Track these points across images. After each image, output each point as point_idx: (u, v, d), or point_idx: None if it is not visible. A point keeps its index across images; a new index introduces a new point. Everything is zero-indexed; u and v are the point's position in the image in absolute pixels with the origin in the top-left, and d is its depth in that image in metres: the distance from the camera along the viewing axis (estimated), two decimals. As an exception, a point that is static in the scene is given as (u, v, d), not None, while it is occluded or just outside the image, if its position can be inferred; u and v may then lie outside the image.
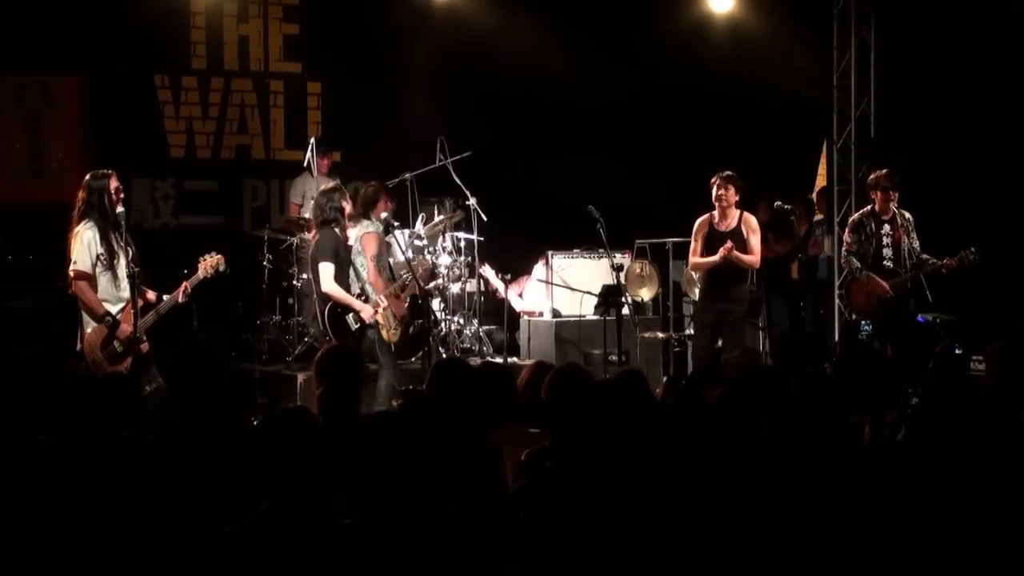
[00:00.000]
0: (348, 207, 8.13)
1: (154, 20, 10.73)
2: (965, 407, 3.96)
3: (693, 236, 8.84)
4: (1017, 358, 4.82)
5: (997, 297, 10.33)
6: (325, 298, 7.87)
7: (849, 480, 3.51)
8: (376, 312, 7.97)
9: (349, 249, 8.22)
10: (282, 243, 10.10)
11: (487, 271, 10.38)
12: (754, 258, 8.66)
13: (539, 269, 10.50)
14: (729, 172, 8.68)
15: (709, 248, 8.67)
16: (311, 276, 7.92)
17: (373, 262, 8.08)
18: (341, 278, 7.95)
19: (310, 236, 8.08)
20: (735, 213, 8.68)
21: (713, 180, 8.68)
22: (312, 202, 9.96)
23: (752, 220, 8.71)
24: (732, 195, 8.62)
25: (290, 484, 3.32)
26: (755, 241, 8.65)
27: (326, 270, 7.82)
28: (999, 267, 9.60)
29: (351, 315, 7.89)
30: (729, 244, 8.50)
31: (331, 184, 8.27)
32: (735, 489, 3.60)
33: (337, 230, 7.99)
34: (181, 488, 3.93)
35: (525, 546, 3.26)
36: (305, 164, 10.33)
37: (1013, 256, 10.26)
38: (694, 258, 8.86)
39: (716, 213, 8.71)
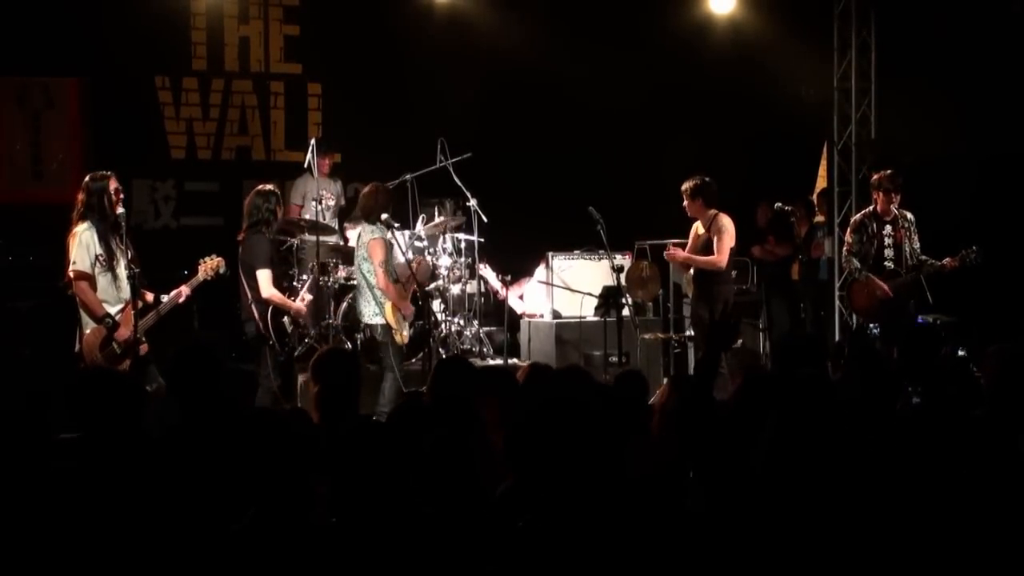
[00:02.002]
0: (281, 213, 8.20)
1: (154, 21, 10.73)
2: (964, 409, 3.95)
3: None
4: (1016, 360, 4.80)
5: (997, 298, 10.34)
6: (265, 303, 7.86)
7: (850, 481, 3.51)
8: (304, 308, 8.14)
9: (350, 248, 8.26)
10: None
11: (487, 272, 10.38)
12: (711, 258, 8.69)
13: (541, 272, 10.50)
14: (687, 182, 8.73)
15: (694, 250, 8.88)
16: (245, 280, 7.91)
17: (382, 268, 8.11)
18: (276, 281, 8.03)
19: (239, 236, 8.11)
20: (710, 215, 8.73)
21: None
22: (312, 203, 10.06)
23: (721, 221, 8.72)
24: (689, 204, 8.75)
25: (281, 485, 3.33)
26: (718, 242, 8.68)
27: (264, 276, 7.81)
28: (999, 267, 9.60)
29: (286, 318, 7.95)
30: (670, 251, 8.88)
31: (268, 186, 8.27)
32: (741, 489, 3.60)
33: (267, 234, 7.98)
34: (181, 488, 3.93)
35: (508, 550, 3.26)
36: (306, 165, 10.33)
37: (1013, 256, 10.26)
38: None
39: None
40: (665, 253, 9.02)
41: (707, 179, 8.72)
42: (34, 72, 10.65)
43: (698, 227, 8.84)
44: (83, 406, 4.15)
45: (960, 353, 8.76)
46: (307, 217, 9.93)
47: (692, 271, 8.95)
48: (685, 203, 8.77)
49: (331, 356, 5.11)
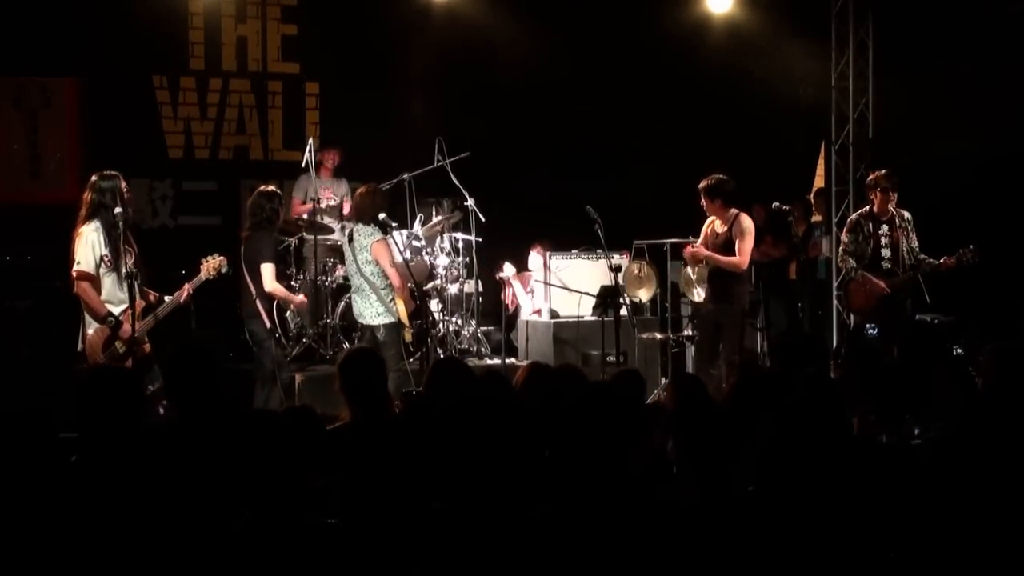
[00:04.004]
0: (283, 213, 8.32)
1: (152, 21, 10.73)
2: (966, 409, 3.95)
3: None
4: (1012, 359, 4.80)
5: (996, 298, 10.34)
6: (269, 297, 7.95)
7: (847, 479, 3.51)
8: (305, 300, 8.37)
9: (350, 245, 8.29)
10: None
11: (511, 276, 10.41)
12: (734, 259, 8.57)
13: (534, 258, 10.49)
14: (704, 181, 8.62)
15: (712, 250, 8.69)
16: (249, 277, 7.96)
17: (394, 267, 8.16)
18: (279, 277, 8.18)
19: (243, 235, 8.15)
20: (730, 215, 8.65)
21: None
22: (310, 202, 10.07)
23: (743, 222, 8.62)
24: (707, 204, 8.61)
25: (279, 485, 3.33)
26: (740, 243, 8.60)
27: (268, 270, 7.90)
28: (998, 267, 9.60)
29: (287, 314, 8.02)
30: (688, 248, 8.67)
31: (270, 187, 8.33)
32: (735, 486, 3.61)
33: (271, 232, 8.09)
34: (180, 487, 3.94)
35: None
36: (303, 164, 10.32)
37: (1013, 256, 10.26)
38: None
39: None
40: (685, 251, 8.77)
41: (724, 177, 8.58)
42: (31, 72, 10.65)
43: (715, 225, 8.70)
44: (87, 404, 4.15)
45: (957, 351, 8.77)
46: (304, 216, 9.94)
47: (707, 270, 8.83)
48: (703, 202, 8.60)
49: (358, 355, 5.10)
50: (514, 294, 10.70)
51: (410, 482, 3.39)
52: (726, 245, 8.57)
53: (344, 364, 4.93)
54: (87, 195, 7.10)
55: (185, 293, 7.31)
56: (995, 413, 4.43)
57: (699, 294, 9.08)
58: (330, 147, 10.62)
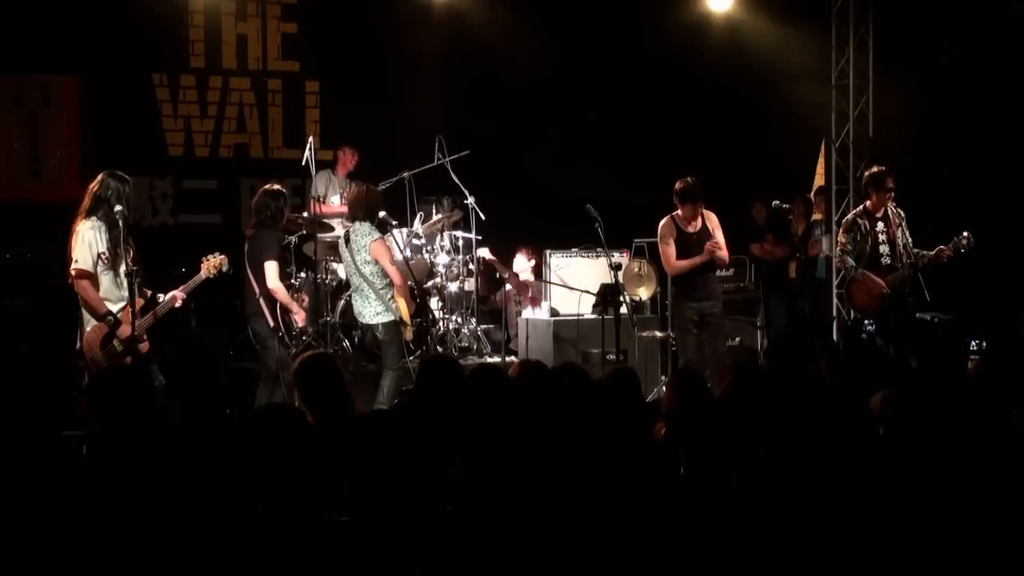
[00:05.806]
0: (288, 213, 8.27)
1: (152, 19, 10.75)
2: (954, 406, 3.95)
3: (662, 239, 8.70)
4: (1002, 360, 4.79)
5: (995, 296, 10.35)
6: (271, 296, 7.90)
7: (853, 479, 3.51)
8: (303, 315, 8.18)
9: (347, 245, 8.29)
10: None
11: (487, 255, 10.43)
12: (726, 253, 8.72)
13: (519, 261, 10.50)
14: (686, 183, 8.57)
15: (682, 250, 8.64)
16: (253, 275, 7.93)
17: (394, 266, 8.15)
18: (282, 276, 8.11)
19: (247, 233, 8.14)
20: (701, 213, 8.70)
21: (680, 195, 8.62)
22: (311, 200, 10.05)
23: (714, 217, 8.72)
24: (692, 206, 8.58)
25: (285, 481, 3.33)
26: (720, 236, 8.67)
27: (272, 268, 7.85)
28: (997, 266, 9.60)
29: (291, 315, 7.98)
30: (716, 242, 8.57)
31: (276, 186, 8.31)
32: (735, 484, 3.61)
33: (275, 230, 8.05)
34: (180, 486, 3.94)
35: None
36: (303, 163, 10.31)
37: (1012, 255, 10.26)
38: (677, 262, 8.74)
39: (680, 215, 8.68)
40: (717, 252, 8.60)
41: (695, 177, 8.64)
42: (32, 70, 10.66)
43: (670, 225, 8.64)
44: (101, 402, 4.18)
45: (975, 345, 8.79)
46: (304, 215, 9.93)
47: (678, 273, 8.79)
48: (690, 205, 8.55)
49: (312, 362, 5.06)
50: (516, 289, 10.64)
51: (399, 480, 3.39)
52: (699, 243, 8.59)
53: (298, 376, 4.92)
54: (94, 187, 7.07)
55: (179, 300, 7.31)
56: (983, 412, 4.44)
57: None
58: (348, 146, 10.56)
